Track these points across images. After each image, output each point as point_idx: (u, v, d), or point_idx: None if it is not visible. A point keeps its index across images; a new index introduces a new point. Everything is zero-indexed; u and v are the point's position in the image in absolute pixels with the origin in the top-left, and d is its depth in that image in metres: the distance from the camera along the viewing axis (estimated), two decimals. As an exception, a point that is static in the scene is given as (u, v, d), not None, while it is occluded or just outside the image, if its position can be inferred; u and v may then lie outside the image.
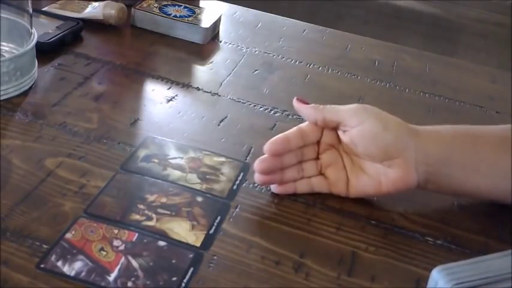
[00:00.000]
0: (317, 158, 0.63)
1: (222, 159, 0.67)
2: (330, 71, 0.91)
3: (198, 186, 0.62)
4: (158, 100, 0.77)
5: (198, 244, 0.55)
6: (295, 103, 0.63)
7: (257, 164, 0.61)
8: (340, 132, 0.62)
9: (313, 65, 0.91)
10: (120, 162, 0.64)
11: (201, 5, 1.00)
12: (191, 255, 0.54)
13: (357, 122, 0.59)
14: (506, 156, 0.59)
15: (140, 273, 0.52)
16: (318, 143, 0.63)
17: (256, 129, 0.74)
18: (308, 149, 0.63)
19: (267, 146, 0.61)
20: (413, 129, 0.61)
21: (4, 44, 0.76)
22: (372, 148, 0.59)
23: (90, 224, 0.56)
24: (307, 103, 0.63)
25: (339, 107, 0.61)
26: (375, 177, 0.60)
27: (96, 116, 0.72)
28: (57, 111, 0.71)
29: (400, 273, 0.56)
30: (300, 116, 0.76)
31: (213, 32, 0.95)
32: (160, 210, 0.58)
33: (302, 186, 0.63)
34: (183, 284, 0.51)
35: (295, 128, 0.62)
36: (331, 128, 0.62)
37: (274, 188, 0.63)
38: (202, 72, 0.87)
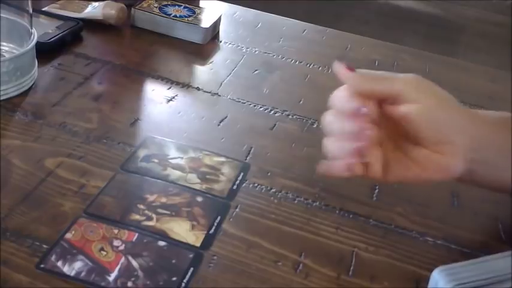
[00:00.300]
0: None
1: (222, 159, 0.67)
2: (330, 71, 0.90)
3: (198, 186, 0.62)
4: (158, 100, 0.77)
5: (198, 244, 0.55)
6: (341, 70, 0.54)
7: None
8: (388, 106, 0.53)
9: (313, 65, 0.91)
10: (120, 162, 0.64)
11: (201, 5, 1.00)
12: (191, 255, 0.54)
13: (416, 97, 0.52)
14: None
15: (140, 273, 0.52)
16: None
17: (256, 129, 0.74)
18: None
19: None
20: (468, 112, 0.55)
21: (4, 44, 0.76)
22: (428, 129, 0.52)
23: (90, 224, 0.56)
24: (354, 70, 0.54)
25: (392, 76, 0.53)
26: (419, 162, 0.53)
27: (96, 116, 0.72)
28: (57, 111, 0.71)
29: (400, 273, 0.56)
30: (300, 115, 0.76)
31: (213, 32, 0.95)
32: (160, 210, 0.58)
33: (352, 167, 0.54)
34: (183, 284, 0.51)
35: (341, 88, 0.54)
36: (377, 101, 0.53)
37: (334, 168, 0.54)
38: (202, 72, 0.87)
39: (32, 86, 0.75)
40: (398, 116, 0.52)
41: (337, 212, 0.62)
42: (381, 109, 0.53)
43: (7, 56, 0.74)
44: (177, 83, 0.81)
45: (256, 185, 0.64)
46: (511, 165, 0.54)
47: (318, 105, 0.82)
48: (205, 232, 0.57)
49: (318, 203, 0.63)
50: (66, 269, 0.51)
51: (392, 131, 0.53)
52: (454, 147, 0.52)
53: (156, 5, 0.95)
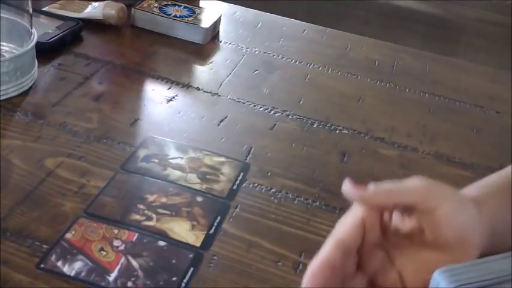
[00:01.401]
0: (359, 268, 0.49)
1: (222, 159, 0.67)
2: (330, 71, 0.91)
3: (198, 186, 0.62)
4: (158, 100, 0.77)
5: (198, 244, 0.55)
6: (350, 191, 0.49)
7: None
8: (397, 219, 0.49)
9: (313, 65, 0.91)
10: (120, 162, 0.64)
11: (201, 5, 1.00)
12: (191, 255, 0.54)
13: (433, 205, 0.48)
14: None
15: (140, 273, 0.52)
16: (358, 249, 0.48)
17: (256, 129, 0.74)
18: (349, 262, 0.48)
19: (309, 279, 0.45)
20: (475, 201, 0.50)
21: (4, 44, 0.76)
22: (448, 232, 0.48)
23: (90, 224, 0.56)
24: (363, 186, 0.49)
25: (405, 185, 0.49)
26: (436, 267, 0.46)
27: (96, 116, 0.72)
28: (57, 111, 0.71)
29: (400, 273, 0.56)
30: (300, 115, 0.76)
31: (213, 32, 0.95)
32: (160, 210, 0.58)
33: None
34: (183, 284, 0.51)
35: (330, 242, 0.47)
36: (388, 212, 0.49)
37: None
38: (202, 72, 0.87)
39: (32, 86, 0.75)
40: (406, 227, 0.48)
41: (337, 212, 0.62)
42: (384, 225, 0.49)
43: (7, 56, 0.74)
44: (177, 83, 0.81)
45: (256, 185, 0.64)
46: None
47: (318, 105, 0.83)
48: (205, 232, 0.57)
49: (318, 203, 0.63)
50: (66, 269, 0.51)
51: (401, 240, 0.49)
52: (471, 242, 0.49)
53: (156, 5, 0.95)
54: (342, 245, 0.47)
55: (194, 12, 0.95)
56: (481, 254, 0.49)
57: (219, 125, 0.74)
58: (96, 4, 0.92)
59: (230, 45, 0.94)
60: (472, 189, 0.54)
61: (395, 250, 0.50)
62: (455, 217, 0.48)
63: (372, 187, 0.48)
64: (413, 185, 0.49)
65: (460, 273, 0.45)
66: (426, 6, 3.03)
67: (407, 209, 0.48)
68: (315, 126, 0.76)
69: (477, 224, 0.49)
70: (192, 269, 0.53)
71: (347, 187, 0.49)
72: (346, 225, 0.49)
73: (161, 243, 0.55)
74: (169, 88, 0.80)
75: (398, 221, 0.48)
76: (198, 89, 0.81)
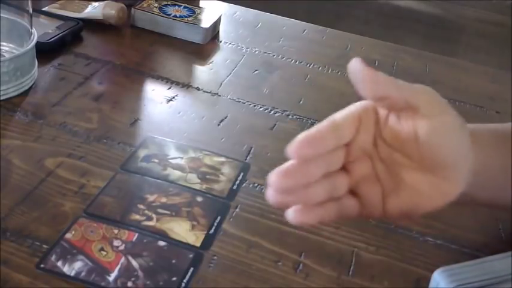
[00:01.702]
0: (344, 169, 0.46)
1: (222, 159, 0.67)
2: (330, 71, 0.91)
3: (198, 186, 0.62)
4: (158, 100, 0.77)
5: (198, 244, 0.55)
6: (361, 71, 0.46)
7: (276, 178, 0.42)
8: (393, 122, 0.45)
9: (313, 65, 0.91)
10: (120, 162, 0.64)
11: (201, 5, 1.00)
12: (191, 255, 0.54)
13: (438, 111, 0.45)
14: None
15: (140, 273, 0.52)
16: (347, 145, 0.45)
17: (256, 129, 0.74)
18: (335, 154, 0.45)
19: (295, 147, 0.42)
20: (470, 134, 0.47)
21: (4, 44, 0.76)
22: (446, 148, 0.44)
23: (90, 224, 0.56)
24: (372, 68, 0.45)
25: (410, 85, 0.45)
26: (425, 192, 0.46)
27: (96, 116, 0.72)
28: (57, 111, 0.71)
29: (400, 273, 0.56)
30: (300, 115, 0.76)
31: (213, 32, 0.95)
32: (160, 210, 0.58)
33: (329, 212, 0.45)
34: (183, 284, 0.51)
35: (326, 121, 0.45)
36: (389, 112, 0.46)
37: (292, 215, 0.43)
38: (202, 72, 0.87)
39: (32, 86, 0.75)
40: (404, 132, 0.45)
41: (337, 212, 0.62)
42: (381, 128, 0.46)
43: (7, 56, 0.74)
44: (177, 83, 0.81)
45: (256, 185, 0.64)
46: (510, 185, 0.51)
47: (318, 105, 0.83)
48: (205, 232, 0.57)
49: (318, 203, 0.63)
50: (66, 269, 0.51)
51: (395, 154, 0.46)
52: (457, 171, 0.46)
53: (156, 5, 0.95)
54: (336, 130, 0.44)
55: (194, 12, 0.95)
56: (461, 195, 0.47)
57: (219, 125, 0.74)
58: (96, 4, 0.92)
59: (230, 45, 0.94)
60: (470, 125, 0.50)
61: (383, 165, 0.46)
62: (453, 136, 0.45)
63: (381, 74, 0.44)
64: (421, 87, 0.46)
65: (460, 273, 0.45)
66: (426, 6, 3.03)
67: (408, 114, 0.44)
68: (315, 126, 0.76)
69: (469, 152, 0.47)
70: (192, 269, 0.53)
71: (356, 64, 0.45)
72: (342, 114, 0.45)
73: (161, 243, 0.55)
74: (169, 88, 0.80)
75: (395, 122, 0.45)
76: (198, 89, 0.81)
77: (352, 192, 0.46)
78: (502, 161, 0.51)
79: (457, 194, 0.46)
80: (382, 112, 0.46)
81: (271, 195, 0.43)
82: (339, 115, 0.45)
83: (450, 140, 0.44)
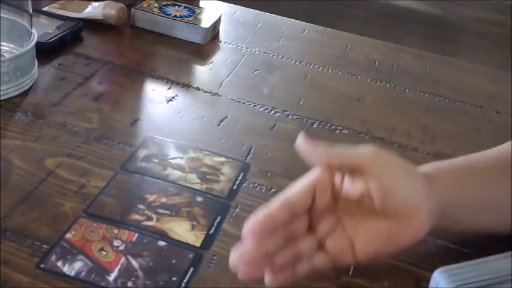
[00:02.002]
0: (310, 230, 0.51)
1: (222, 159, 0.67)
2: (330, 71, 0.91)
3: (198, 186, 0.62)
4: (158, 100, 0.77)
5: (198, 244, 0.55)
6: (303, 145, 0.51)
7: (235, 257, 0.48)
8: (347, 184, 0.50)
9: (313, 65, 0.91)
10: (120, 162, 0.64)
11: (201, 5, 1.00)
12: (191, 255, 0.54)
13: (380, 169, 0.49)
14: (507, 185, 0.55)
15: (140, 273, 0.52)
16: (309, 211, 0.51)
17: (256, 129, 0.74)
18: (298, 223, 0.50)
19: (247, 228, 0.48)
20: (427, 176, 0.52)
21: (4, 44, 0.76)
22: (393, 199, 0.49)
23: (90, 224, 0.56)
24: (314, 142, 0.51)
25: (355, 149, 0.50)
26: (386, 237, 0.50)
27: (96, 116, 0.72)
28: (57, 111, 0.71)
29: (400, 273, 0.56)
30: (300, 115, 0.76)
31: (213, 32, 0.95)
32: (160, 210, 0.58)
33: (302, 270, 0.50)
34: (183, 284, 0.51)
35: (277, 200, 0.49)
36: (338, 175, 0.51)
37: (266, 280, 0.49)
38: (202, 72, 0.87)
39: (32, 86, 0.75)
40: (355, 193, 0.50)
41: (337, 212, 0.62)
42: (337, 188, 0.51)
43: (7, 56, 0.74)
44: (177, 83, 0.81)
45: (256, 185, 0.64)
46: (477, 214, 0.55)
47: (318, 105, 0.83)
48: (205, 232, 0.57)
49: (318, 203, 0.63)
50: (66, 269, 0.51)
51: (355, 208, 0.51)
52: (421, 214, 0.50)
53: (156, 5, 0.95)
54: (288, 205, 0.49)
55: (194, 12, 0.95)
56: (432, 230, 0.52)
57: (219, 125, 0.74)
58: (96, 4, 0.92)
59: (230, 45, 0.94)
60: (427, 166, 0.55)
61: (347, 217, 0.51)
62: (401, 185, 0.50)
63: (323, 145, 0.50)
64: (363, 149, 0.50)
65: (460, 273, 0.45)
66: (426, 6, 3.03)
67: (357, 175, 0.49)
68: (315, 126, 0.76)
69: (425, 197, 0.51)
70: (192, 269, 0.53)
71: (301, 141, 0.50)
72: (296, 188, 0.51)
73: (161, 243, 0.55)
74: (169, 88, 0.80)
75: (349, 186, 0.50)
76: (198, 89, 0.81)
77: (322, 247, 0.51)
78: (471, 193, 0.54)
79: (422, 234, 0.51)
80: (337, 175, 0.51)
81: (239, 272, 0.48)
82: (292, 191, 0.50)
83: (399, 191, 0.49)
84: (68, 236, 0.54)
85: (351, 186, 0.50)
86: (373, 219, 0.50)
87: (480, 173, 0.57)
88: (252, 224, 0.48)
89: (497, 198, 0.56)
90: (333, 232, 0.51)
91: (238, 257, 0.48)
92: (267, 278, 0.49)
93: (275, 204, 0.49)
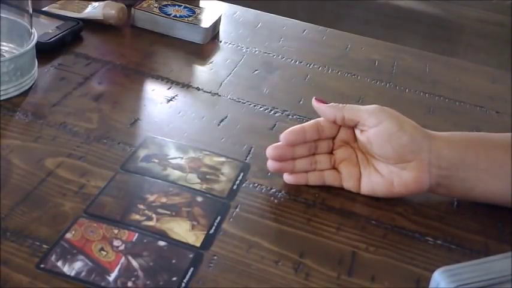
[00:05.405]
0: (331, 153, 0.65)
1: (222, 159, 0.67)
2: (330, 71, 0.91)
3: (198, 186, 0.62)
4: (158, 100, 0.77)
5: (198, 244, 0.55)
6: (314, 103, 0.64)
7: (270, 150, 0.62)
8: (357, 132, 0.63)
9: (313, 65, 0.91)
10: (120, 162, 0.64)
11: (201, 5, 1.00)
12: (191, 255, 0.54)
13: (375, 122, 0.60)
14: None
15: (140, 273, 0.52)
16: (333, 139, 0.64)
17: (256, 129, 0.74)
18: (323, 144, 0.64)
19: (283, 135, 0.62)
20: (428, 132, 0.61)
21: (4, 44, 0.76)
22: (388, 149, 0.60)
23: (90, 224, 0.56)
24: (325, 103, 0.63)
25: (358, 106, 0.62)
26: (387, 178, 0.61)
27: (96, 116, 0.72)
28: (57, 111, 0.71)
29: (400, 273, 0.56)
30: (300, 115, 0.76)
31: (213, 32, 0.95)
32: (160, 210, 0.58)
33: (313, 178, 0.64)
34: (183, 284, 0.51)
35: (312, 121, 0.64)
36: (348, 127, 0.63)
37: (286, 176, 0.64)
38: (202, 72, 0.87)
39: (32, 86, 0.75)
40: (361, 140, 0.62)
41: (337, 212, 0.62)
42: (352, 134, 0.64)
43: (7, 56, 0.74)
44: (177, 83, 0.81)
45: (256, 185, 0.64)
46: (482, 179, 0.60)
47: (318, 105, 0.83)
48: (205, 232, 0.57)
49: (317, 203, 0.63)
50: (66, 269, 0.51)
51: (366, 150, 0.63)
52: (417, 164, 0.60)
53: (156, 5, 0.95)
54: (318, 127, 0.63)
55: (194, 12, 0.95)
56: (436, 185, 0.61)
57: (219, 125, 0.74)
58: (96, 4, 0.92)
59: (230, 45, 0.94)
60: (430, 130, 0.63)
61: (361, 154, 0.64)
62: (395, 134, 0.60)
63: (331, 103, 0.63)
64: (364, 106, 0.62)
65: (460, 273, 0.45)
66: (426, 6, 3.03)
67: (361, 127, 0.62)
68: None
69: (425, 148, 0.60)
70: (192, 269, 0.53)
71: (313, 101, 0.64)
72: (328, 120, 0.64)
73: (161, 243, 0.55)
74: (169, 88, 0.80)
75: (358, 133, 0.63)
76: (198, 89, 0.81)
77: (336, 169, 0.64)
78: (473, 160, 0.60)
79: (424, 184, 0.61)
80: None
81: (268, 163, 0.63)
82: (322, 118, 0.64)
83: (388, 142, 0.60)
84: (68, 236, 0.54)
85: (357, 134, 0.63)
86: (377, 161, 0.62)
87: (489, 141, 0.62)
88: (288, 132, 0.62)
89: (503, 164, 0.60)
90: (347, 159, 0.64)
91: (271, 152, 0.62)
92: (286, 176, 0.64)
93: (309, 123, 0.64)
